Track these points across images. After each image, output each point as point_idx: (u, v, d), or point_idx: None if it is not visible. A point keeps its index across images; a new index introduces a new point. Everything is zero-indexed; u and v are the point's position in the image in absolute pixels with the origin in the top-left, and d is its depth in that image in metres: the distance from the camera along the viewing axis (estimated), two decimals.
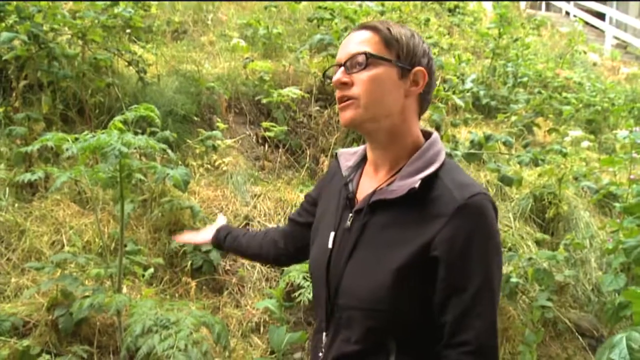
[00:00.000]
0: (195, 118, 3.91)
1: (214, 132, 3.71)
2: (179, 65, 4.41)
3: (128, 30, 4.12)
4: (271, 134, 4.00)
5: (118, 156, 1.88)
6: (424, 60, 1.12)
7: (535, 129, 5.37)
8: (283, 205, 3.62)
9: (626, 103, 6.59)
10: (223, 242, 1.57)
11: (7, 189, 3.00)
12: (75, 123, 3.50)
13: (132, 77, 3.90)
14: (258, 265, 3.26)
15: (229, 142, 3.90)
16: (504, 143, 4.04)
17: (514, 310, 3.29)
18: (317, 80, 4.56)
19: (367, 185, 1.16)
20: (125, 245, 2.78)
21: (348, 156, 1.26)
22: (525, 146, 4.81)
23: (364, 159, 1.23)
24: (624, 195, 3.52)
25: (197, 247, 3.09)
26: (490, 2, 9.03)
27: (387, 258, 1.04)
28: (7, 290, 2.61)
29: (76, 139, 1.98)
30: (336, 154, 1.30)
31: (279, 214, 3.56)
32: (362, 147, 1.24)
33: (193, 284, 2.97)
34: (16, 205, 2.96)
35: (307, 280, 2.85)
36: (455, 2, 8.44)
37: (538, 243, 3.81)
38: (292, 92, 4.04)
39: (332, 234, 1.16)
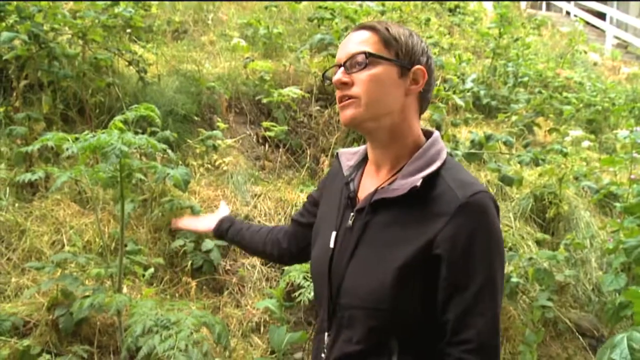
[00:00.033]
0: (196, 118, 3.91)
1: (215, 131, 3.71)
2: (180, 65, 4.41)
3: (128, 30, 4.12)
4: (271, 134, 4.00)
5: (119, 156, 1.87)
6: (423, 59, 1.12)
7: (535, 128, 5.37)
8: (283, 205, 3.62)
9: (627, 103, 6.58)
10: (225, 233, 1.56)
11: (8, 188, 3.00)
12: (76, 123, 3.50)
13: (133, 77, 3.90)
14: (258, 265, 3.26)
15: (229, 141, 3.90)
16: (505, 143, 4.04)
17: (514, 310, 3.29)
18: (317, 80, 4.56)
19: (369, 185, 1.16)
20: (126, 245, 2.78)
21: (349, 156, 1.26)
22: (525, 146, 4.81)
23: (365, 159, 1.23)
24: (625, 195, 3.52)
25: (197, 247, 3.09)
26: (491, 2, 9.03)
27: (389, 257, 1.04)
28: (8, 290, 2.61)
29: (76, 138, 1.98)
30: (337, 153, 1.30)
31: (280, 214, 3.56)
32: (363, 146, 1.24)
33: (193, 283, 2.97)
34: (16, 205, 2.96)
35: (307, 280, 2.85)
36: (456, 2, 8.44)
37: (538, 243, 3.80)
38: (292, 91, 4.04)
39: (334, 233, 1.16)
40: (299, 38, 5.49)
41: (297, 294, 2.84)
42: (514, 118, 5.24)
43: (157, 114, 2.19)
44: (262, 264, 3.28)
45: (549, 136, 5.39)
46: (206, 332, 2.22)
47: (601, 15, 12.94)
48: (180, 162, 3.45)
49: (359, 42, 1.11)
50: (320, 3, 5.08)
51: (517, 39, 7.17)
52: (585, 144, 4.88)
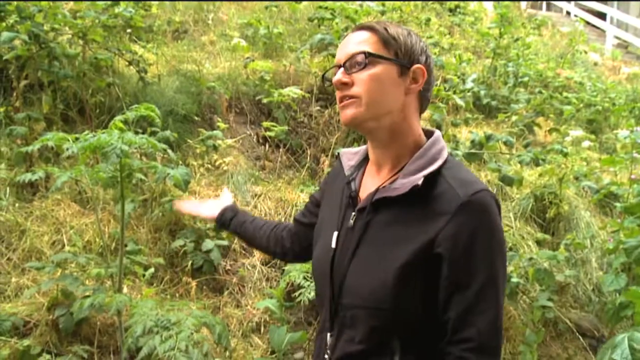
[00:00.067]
0: (196, 118, 3.91)
1: (215, 131, 3.71)
2: (180, 65, 4.41)
3: (129, 30, 4.12)
4: (272, 134, 4.00)
5: (119, 155, 1.87)
6: (422, 58, 1.13)
7: (536, 128, 5.37)
8: (284, 205, 3.62)
9: (627, 103, 6.58)
10: (228, 224, 1.56)
11: (8, 188, 3.00)
12: (76, 123, 3.50)
13: (133, 77, 3.90)
14: (258, 265, 3.26)
15: (229, 141, 3.90)
16: (505, 143, 4.04)
17: (514, 310, 3.29)
18: (317, 80, 4.56)
19: (370, 184, 1.16)
20: (126, 245, 2.78)
21: (350, 155, 1.27)
22: (526, 146, 4.81)
23: (366, 159, 1.23)
24: (625, 195, 3.52)
25: (197, 247, 3.09)
26: (491, 2, 9.03)
27: (391, 256, 1.04)
28: (8, 290, 2.61)
29: (77, 138, 1.98)
30: (338, 153, 1.30)
31: (280, 214, 3.56)
32: (364, 147, 1.25)
33: (193, 283, 2.97)
34: (17, 205, 2.96)
35: (307, 280, 2.84)
36: (456, 2, 8.43)
37: (539, 243, 3.80)
38: (292, 91, 4.04)
39: (336, 233, 1.16)
40: (299, 38, 5.49)
41: (297, 294, 2.84)
42: (514, 118, 5.23)
43: (158, 114, 2.19)
44: (263, 264, 3.28)
45: (549, 136, 5.39)
46: (206, 332, 2.22)
47: (601, 15, 12.94)
48: (180, 162, 3.45)
49: (358, 42, 1.11)
50: (321, 3, 5.08)
51: (517, 39, 7.17)
52: (586, 144, 4.88)
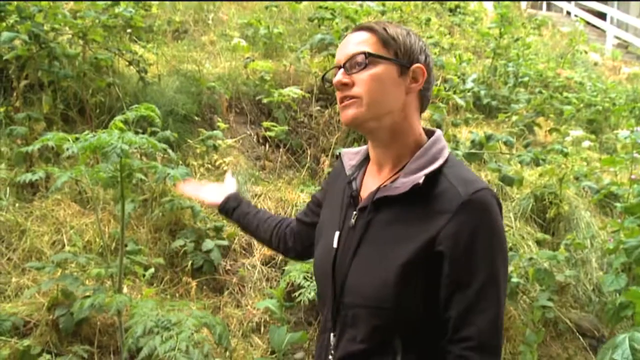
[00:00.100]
0: (196, 118, 3.91)
1: (215, 131, 3.71)
2: (180, 65, 4.41)
3: (129, 30, 4.12)
4: (272, 134, 4.00)
5: (119, 155, 1.87)
6: (422, 57, 1.13)
7: (536, 128, 5.37)
8: (284, 205, 3.62)
9: (627, 103, 6.58)
10: (231, 213, 1.56)
11: (8, 188, 3.00)
12: (76, 123, 3.50)
13: (133, 77, 3.90)
14: (259, 265, 3.26)
15: (229, 141, 3.90)
16: (505, 143, 4.04)
17: (514, 310, 3.29)
18: (317, 80, 4.56)
19: (371, 184, 1.16)
20: (126, 245, 2.78)
21: (351, 155, 1.27)
22: (526, 146, 4.81)
23: (367, 158, 1.23)
24: (625, 195, 3.52)
25: (197, 247, 3.09)
26: (491, 2, 9.02)
27: (392, 254, 1.04)
28: (8, 290, 2.61)
29: (77, 138, 1.98)
30: (340, 153, 1.31)
31: (280, 214, 3.56)
32: (365, 146, 1.25)
33: (194, 283, 2.97)
34: (17, 205, 2.96)
35: (307, 280, 2.84)
36: (456, 2, 8.43)
37: (539, 243, 3.80)
38: (292, 91, 4.04)
39: (337, 233, 1.16)
40: (299, 38, 5.49)
41: (297, 294, 2.84)
42: (514, 118, 5.23)
43: (158, 114, 2.19)
44: (263, 264, 3.28)
45: (550, 136, 5.39)
46: (207, 332, 2.22)
47: (602, 15, 12.94)
48: (180, 162, 3.45)
49: (357, 42, 1.11)
50: (321, 3, 5.08)
51: (517, 39, 7.17)
52: (586, 144, 4.88)
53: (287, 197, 3.67)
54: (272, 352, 2.79)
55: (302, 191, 3.73)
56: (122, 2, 3.83)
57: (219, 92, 4.13)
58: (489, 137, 3.89)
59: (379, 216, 1.09)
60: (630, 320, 3.00)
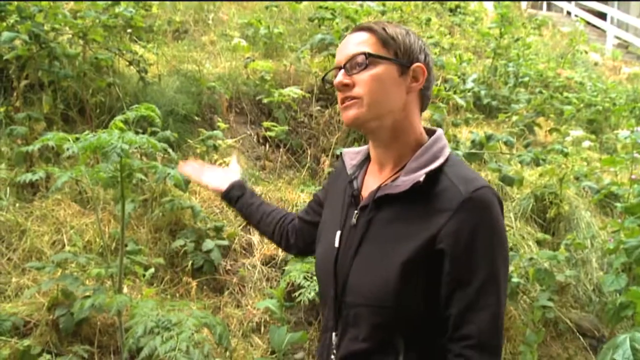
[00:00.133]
0: (196, 118, 3.91)
1: (215, 131, 3.70)
2: (180, 65, 4.41)
3: (129, 30, 4.12)
4: (272, 134, 3.99)
5: (119, 154, 1.87)
6: (422, 56, 1.13)
7: (536, 128, 5.37)
8: (284, 205, 3.61)
9: (627, 103, 6.58)
10: (234, 202, 1.55)
11: (8, 188, 3.00)
12: (76, 123, 3.50)
13: (133, 77, 3.90)
14: (259, 265, 3.25)
15: (229, 141, 3.90)
16: (505, 143, 4.04)
17: (515, 310, 3.29)
18: (318, 80, 4.55)
19: (372, 183, 1.17)
20: (126, 245, 2.78)
21: (352, 155, 1.28)
22: (526, 146, 4.81)
23: (368, 158, 1.24)
24: (625, 195, 3.52)
25: (197, 247, 3.09)
26: (492, 2, 9.02)
27: (393, 253, 1.04)
28: (8, 290, 2.61)
29: (77, 138, 1.97)
30: (341, 153, 1.31)
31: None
32: (366, 146, 1.25)
33: (194, 283, 2.97)
34: (17, 205, 2.96)
35: (307, 280, 2.84)
36: (457, 2, 8.43)
37: (539, 243, 3.80)
38: (293, 91, 4.04)
39: (339, 232, 1.17)
40: (299, 38, 5.49)
41: (297, 294, 2.84)
42: (514, 118, 5.23)
43: (158, 114, 2.18)
44: (263, 264, 3.28)
45: (550, 136, 5.39)
46: (207, 332, 2.22)
47: (602, 15, 12.94)
48: (180, 162, 3.44)
49: (357, 43, 1.11)
50: (321, 3, 5.08)
51: (517, 39, 7.17)
52: (586, 144, 4.88)
53: (287, 197, 3.66)
54: (272, 352, 2.79)
55: (302, 191, 3.73)
56: (122, 2, 3.83)
57: (219, 92, 4.13)
58: (489, 137, 3.88)
59: (380, 215, 1.10)
60: (631, 320, 3.01)
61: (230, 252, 3.28)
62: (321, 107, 4.48)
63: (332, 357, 1.14)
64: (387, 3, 6.03)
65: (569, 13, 13.57)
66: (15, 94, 3.35)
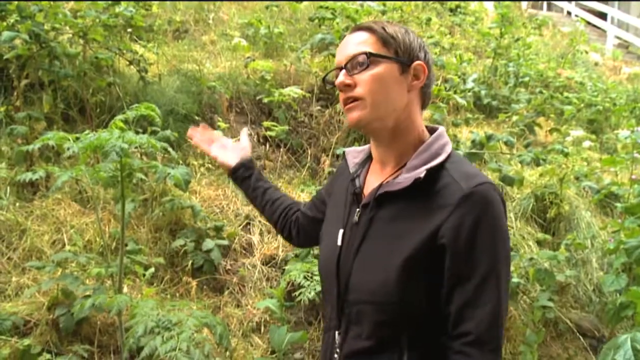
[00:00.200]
0: (197, 117, 3.90)
1: (215, 131, 3.69)
2: (180, 65, 4.41)
3: (129, 30, 4.12)
4: (272, 134, 3.99)
5: (119, 154, 1.87)
6: (422, 55, 1.13)
7: (536, 128, 5.36)
8: None
9: (628, 103, 6.57)
10: (240, 182, 1.54)
11: (8, 188, 3.00)
12: (77, 122, 3.50)
13: (133, 77, 3.90)
14: (259, 265, 3.25)
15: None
16: (506, 143, 4.04)
17: (515, 310, 3.29)
18: (318, 80, 4.55)
19: (374, 181, 1.17)
20: (126, 245, 2.78)
21: (355, 154, 1.28)
22: (526, 146, 4.81)
23: (369, 157, 1.24)
24: (626, 196, 3.52)
25: (198, 247, 3.08)
26: (492, 2, 9.02)
27: (395, 250, 1.04)
28: (8, 290, 2.61)
29: (77, 138, 1.97)
30: (344, 152, 1.31)
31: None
32: (368, 145, 1.26)
33: (194, 283, 2.97)
34: (17, 204, 2.96)
35: (307, 280, 2.84)
36: (457, 2, 8.43)
37: (539, 243, 3.80)
38: (293, 91, 4.04)
39: (341, 231, 1.17)
40: (299, 38, 5.49)
41: (297, 293, 2.84)
42: (514, 118, 5.23)
43: (158, 114, 2.18)
44: (263, 264, 3.28)
45: (550, 136, 5.39)
46: (207, 332, 2.21)
47: (602, 15, 12.94)
48: (180, 162, 3.45)
49: (357, 43, 1.11)
50: (321, 3, 5.07)
51: (518, 39, 7.17)
52: (586, 144, 4.88)
53: None
54: (272, 352, 2.79)
55: (302, 191, 3.73)
56: (122, 2, 3.83)
57: (219, 92, 4.13)
58: (489, 137, 3.88)
59: (381, 212, 1.10)
60: (631, 320, 3.00)
61: (230, 252, 3.28)
62: (321, 106, 4.47)
63: (336, 355, 1.14)
64: (388, 3, 6.03)
65: (569, 13, 13.57)
66: (15, 93, 3.35)
